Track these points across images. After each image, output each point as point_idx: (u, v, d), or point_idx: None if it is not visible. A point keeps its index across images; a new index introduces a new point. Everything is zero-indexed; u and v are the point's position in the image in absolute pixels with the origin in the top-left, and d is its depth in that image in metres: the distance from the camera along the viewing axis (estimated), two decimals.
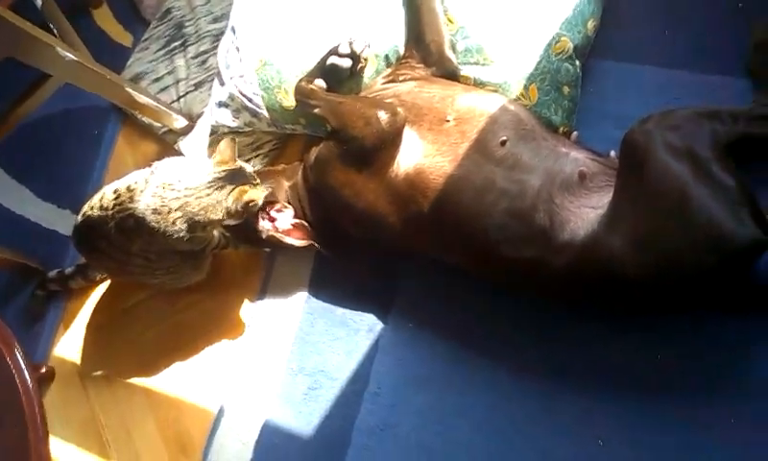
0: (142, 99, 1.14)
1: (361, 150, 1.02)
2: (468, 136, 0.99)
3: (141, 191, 1.04)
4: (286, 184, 1.15)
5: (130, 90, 1.11)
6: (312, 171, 1.10)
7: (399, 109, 1.02)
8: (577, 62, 1.09)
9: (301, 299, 1.28)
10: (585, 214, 0.94)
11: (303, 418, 1.20)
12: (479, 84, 1.09)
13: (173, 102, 1.37)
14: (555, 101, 1.08)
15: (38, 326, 1.42)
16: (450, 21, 1.09)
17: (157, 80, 1.40)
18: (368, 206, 1.04)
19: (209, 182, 1.04)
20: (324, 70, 1.11)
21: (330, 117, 1.06)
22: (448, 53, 1.10)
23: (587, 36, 1.10)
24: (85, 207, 1.11)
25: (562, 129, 1.09)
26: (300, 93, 1.11)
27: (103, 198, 1.07)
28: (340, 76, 1.11)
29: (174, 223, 1.04)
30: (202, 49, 1.38)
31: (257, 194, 1.05)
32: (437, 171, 0.99)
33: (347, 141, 1.03)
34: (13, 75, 1.13)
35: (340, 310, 1.25)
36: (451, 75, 1.10)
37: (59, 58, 0.94)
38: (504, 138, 0.98)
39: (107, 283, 1.40)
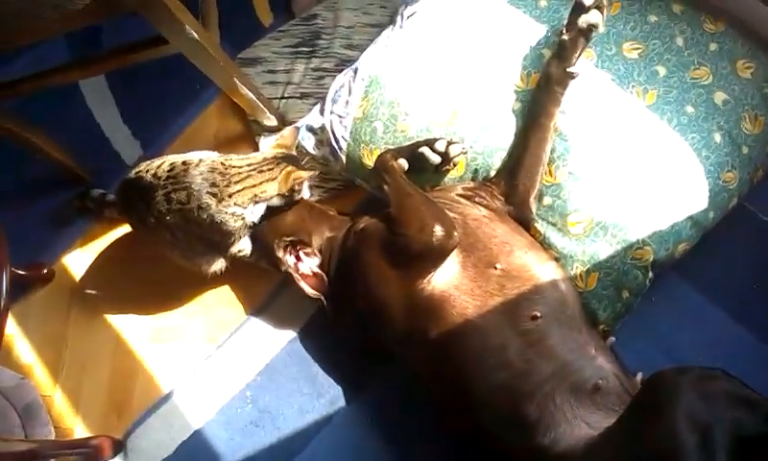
0: (243, 90, 1.44)
1: (404, 249, 1.22)
2: (506, 294, 1.16)
3: (196, 165, 1.33)
4: (327, 234, 1.40)
5: (236, 80, 1.40)
6: (354, 237, 1.34)
7: (456, 234, 1.20)
8: (650, 274, 1.26)
9: (288, 337, 1.56)
10: (577, 428, 1.08)
11: (232, 446, 1.46)
12: (546, 244, 1.29)
13: (274, 99, 1.68)
14: (609, 299, 1.26)
15: (61, 230, 1.76)
16: (550, 173, 1.30)
17: (272, 72, 1.72)
18: (384, 298, 1.25)
19: (269, 159, 1.35)
20: (413, 154, 1.34)
21: (393, 202, 1.28)
22: (532, 202, 1.30)
23: (671, 256, 1.27)
24: (143, 166, 1.40)
25: (602, 327, 1.26)
26: (381, 163, 1.35)
27: (160, 167, 1.37)
28: (424, 167, 1.35)
29: (231, 196, 1.31)
30: (324, 66, 1.69)
31: (305, 174, 1.34)
32: (459, 308, 1.17)
33: (396, 233, 1.24)
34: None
35: (316, 368, 1.51)
36: (524, 222, 1.30)
37: (183, 33, 1.22)
38: (538, 314, 1.14)
39: None
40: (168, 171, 1.36)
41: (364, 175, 1.45)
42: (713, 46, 1.29)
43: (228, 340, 1.58)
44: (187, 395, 1.56)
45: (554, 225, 1.28)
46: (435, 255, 1.20)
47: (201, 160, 1.36)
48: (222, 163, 1.35)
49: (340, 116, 1.45)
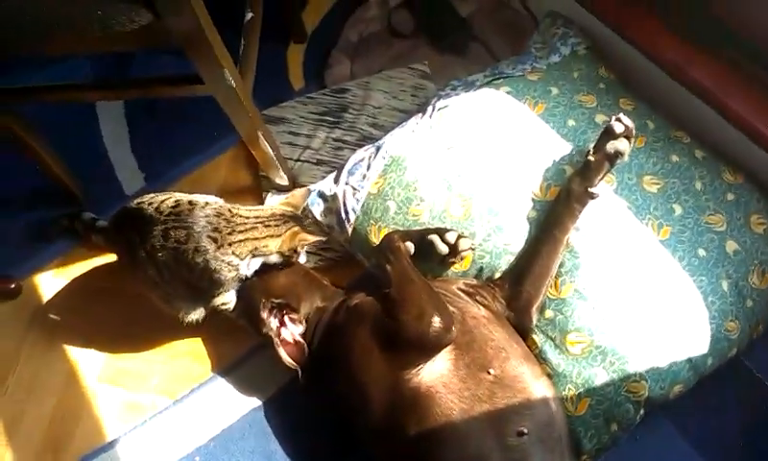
0: (263, 145, 1.49)
1: (397, 334, 1.21)
2: (495, 402, 1.15)
3: (202, 207, 1.35)
4: (317, 303, 1.41)
5: (259, 134, 1.47)
6: (346, 311, 1.34)
7: (454, 329, 1.20)
8: (642, 411, 1.27)
9: (252, 405, 1.52)
10: None
11: None
12: (540, 358, 1.30)
13: (289, 159, 1.75)
14: (596, 428, 1.26)
15: (39, 247, 1.76)
16: (556, 287, 1.33)
17: (293, 133, 1.80)
18: (366, 382, 1.24)
19: (277, 215, 1.38)
20: (421, 240, 1.37)
21: (395, 284, 1.28)
22: (534, 312, 1.32)
23: (666, 396, 1.28)
24: (146, 198, 1.41)
25: (584, 457, 1.25)
26: (387, 242, 1.37)
27: (164, 202, 1.38)
28: (430, 255, 1.37)
29: (231, 245, 1.33)
30: (345, 138, 1.77)
31: (311, 238, 1.38)
32: (444, 408, 1.15)
33: (392, 316, 1.23)
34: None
35: (275, 445, 1.47)
36: (522, 331, 1.32)
37: (221, 78, 1.28)
38: (525, 430, 1.13)
39: None
40: (172, 207, 1.37)
41: (367, 250, 1.48)
42: (730, 196, 1.37)
43: (187, 396, 1.55)
44: (132, 447, 1.50)
45: (552, 340, 1.30)
46: (429, 347, 1.19)
47: (207, 203, 1.38)
48: (229, 210, 1.37)
49: (354, 188, 1.49)
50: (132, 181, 1.82)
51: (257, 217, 1.37)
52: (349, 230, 1.50)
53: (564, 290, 1.31)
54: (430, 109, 1.53)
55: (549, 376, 1.28)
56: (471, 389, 1.16)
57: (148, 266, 1.36)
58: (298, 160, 1.75)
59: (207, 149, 1.84)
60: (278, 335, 1.37)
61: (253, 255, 1.35)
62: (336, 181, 1.55)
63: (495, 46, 1.84)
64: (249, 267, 1.36)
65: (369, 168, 1.50)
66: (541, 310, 1.32)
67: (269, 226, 1.36)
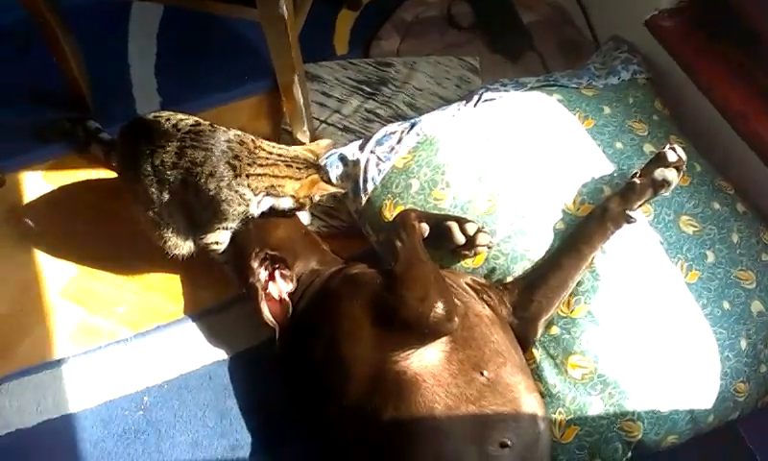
0: (296, 93, 1.53)
1: (395, 311, 1.21)
2: (482, 406, 1.15)
3: (224, 131, 1.37)
4: (313, 265, 1.42)
5: (295, 78, 1.50)
6: (343, 279, 1.34)
7: (456, 320, 1.20)
8: (629, 454, 1.27)
9: (217, 356, 1.53)
10: None
11: (99, 450, 1.42)
12: (536, 374, 1.31)
13: (316, 119, 1.78)
14: None
15: (35, 143, 1.79)
16: (568, 304, 1.33)
17: (325, 94, 1.84)
18: (350, 355, 1.23)
19: (300, 159, 1.41)
20: (438, 225, 1.39)
21: (403, 262, 1.29)
22: (540, 325, 1.33)
23: (659, 443, 1.28)
24: (164, 113, 1.42)
25: None
26: (402, 219, 1.39)
27: (183, 121, 1.39)
28: (444, 242, 1.39)
29: (248, 176, 1.34)
30: (378, 111, 1.81)
31: (331, 188, 1.42)
32: (428, 399, 1.15)
33: (393, 292, 1.23)
34: None
35: (232, 403, 1.47)
36: (524, 342, 1.32)
37: (275, 6, 1.30)
38: (509, 442, 1.12)
39: (114, 175, 1.71)
40: (192, 126, 1.39)
41: (376, 224, 1.50)
42: (765, 257, 1.40)
43: (151, 332, 1.55)
44: (79, 371, 1.50)
45: (553, 358, 1.31)
46: (426, 331, 1.19)
47: (231, 129, 1.40)
48: (252, 141, 1.39)
49: (379, 159, 1.51)
50: (146, 103, 1.85)
51: (280, 155, 1.39)
52: (363, 200, 1.51)
53: (576, 310, 1.32)
54: (476, 98, 1.56)
55: (542, 394, 1.28)
56: (461, 387, 1.16)
57: (151, 183, 1.37)
58: (324, 122, 1.78)
59: (233, 90, 1.88)
60: (265, 288, 1.37)
61: (267, 193, 1.36)
62: (362, 148, 1.57)
63: (551, 60, 1.90)
64: (259, 205, 1.37)
65: (399, 142, 1.53)
66: (548, 326, 1.33)
67: (290, 166, 1.38)
